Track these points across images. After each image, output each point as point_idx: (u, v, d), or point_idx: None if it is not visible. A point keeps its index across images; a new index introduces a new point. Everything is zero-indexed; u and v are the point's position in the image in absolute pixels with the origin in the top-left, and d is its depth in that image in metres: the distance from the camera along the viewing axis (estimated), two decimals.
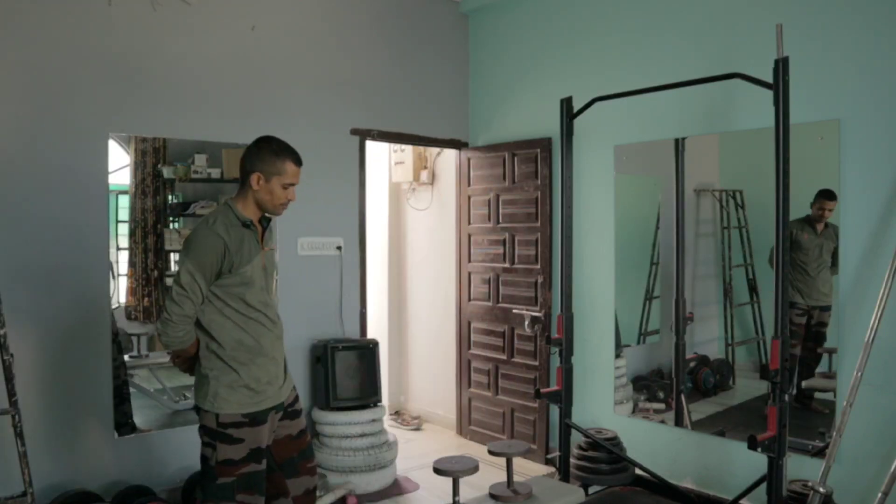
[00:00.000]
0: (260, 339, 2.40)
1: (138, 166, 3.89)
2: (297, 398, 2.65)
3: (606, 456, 3.57)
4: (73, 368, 3.33)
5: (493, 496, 2.89)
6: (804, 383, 3.30)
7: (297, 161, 2.42)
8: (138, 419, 3.78)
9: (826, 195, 3.17)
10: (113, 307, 3.60)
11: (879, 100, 2.96)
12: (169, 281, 4.17)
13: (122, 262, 3.85)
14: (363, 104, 4.37)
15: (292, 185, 2.41)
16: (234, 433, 2.33)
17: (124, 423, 3.60)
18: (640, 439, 3.81)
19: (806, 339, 3.29)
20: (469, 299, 4.85)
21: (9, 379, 2.78)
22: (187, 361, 2.49)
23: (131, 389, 3.85)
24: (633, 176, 4.07)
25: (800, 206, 3.19)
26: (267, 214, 2.50)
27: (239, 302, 2.37)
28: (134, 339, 3.93)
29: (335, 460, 3.82)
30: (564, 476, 3.46)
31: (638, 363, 4.06)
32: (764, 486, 2.72)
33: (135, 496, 3.27)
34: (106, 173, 3.47)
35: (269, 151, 2.37)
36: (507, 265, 4.59)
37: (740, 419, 3.61)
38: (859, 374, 2.83)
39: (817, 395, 3.29)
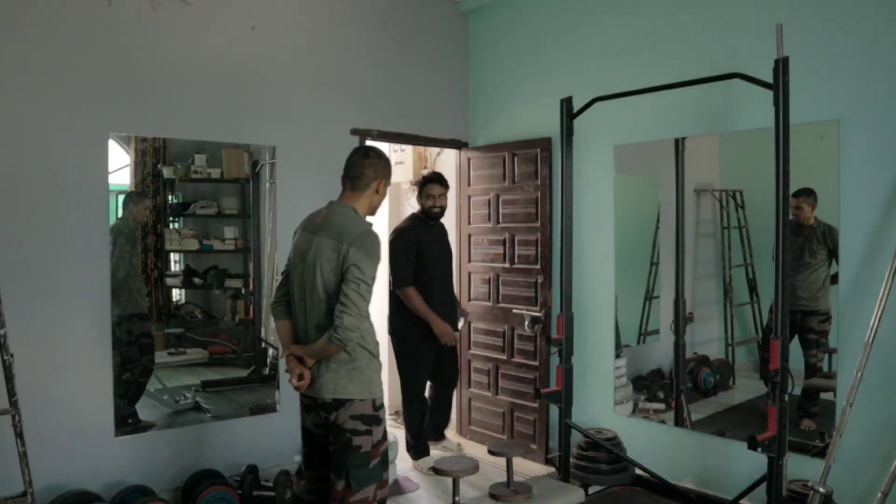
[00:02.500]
0: (374, 332, 2.63)
1: (138, 166, 3.89)
2: None
3: (606, 456, 3.57)
4: (73, 368, 3.33)
5: (493, 496, 2.89)
6: (803, 384, 3.30)
7: None
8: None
9: (797, 192, 3.15)
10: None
11: (879, 100, 2.96)
12: (169, 281, 4.19)
13: None
14: (363, 104, 4.37)
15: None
16: (381, 414, 2.55)
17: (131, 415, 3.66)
18: (640, 439, 3.81)
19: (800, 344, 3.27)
20: (469, 299, 4.85)
21: (9, 379, 2.78)
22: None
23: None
24: (633, 176, 4.07)
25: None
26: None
27: (369, 298, 2.53)
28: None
29: None
30: (564, 476, 3.46)
31: (638, 363, 4.06)
32: (764, 486, 2.72)
33: (135, 496, 3.27)
34: (106, 173, 3.47)
35: (385, 160, 2.68)
36: (507, 265, 4.59)
37: (740, 419, 3.60)
38: (859, 374, 2.83)
39: (819, 395, 3.29)
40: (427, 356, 4.20)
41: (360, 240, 2.46)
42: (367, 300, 2.44)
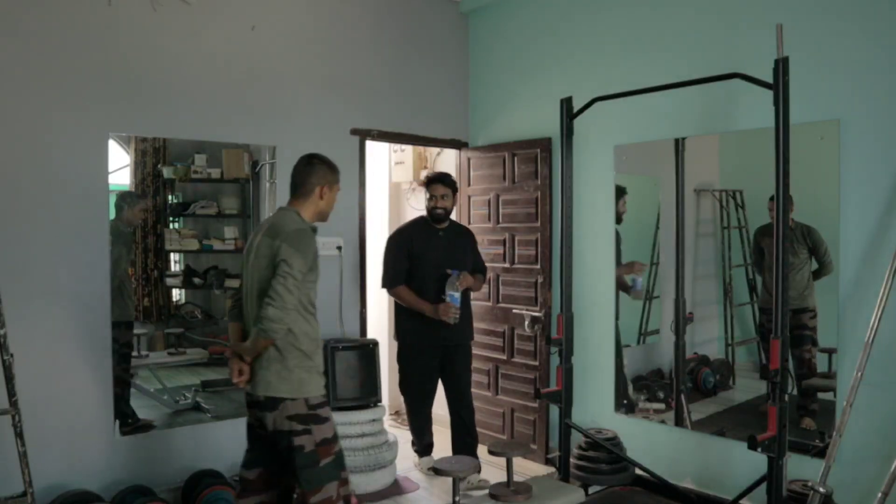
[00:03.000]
0: (317, 332, 2.68)
1: (138, 166, 3.89)
2: None
3: (606, 456, 3.57)
4: (73, 368, 3.33)
5: (493, 496, 2.89)
6: (803, 383, 3.30)
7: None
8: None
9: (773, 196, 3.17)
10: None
11: (879, 100, 2.96)
12: (169, 281, 4.20)
13: None
14: (363, 104, 4.37)
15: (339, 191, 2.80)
16: (321, 413, 2.55)
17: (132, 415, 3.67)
18: (640, 439, 3.81)
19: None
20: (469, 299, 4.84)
21: (9, 379, 2.78)
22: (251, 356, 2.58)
23: (131, 390, 3.86)
24: (633, 176, 4.07)
25: (800, 207, 3.19)
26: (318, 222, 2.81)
27: (307, 297, 2.62)
28: (134, 339, 3.94)
29: None
30: (564, 476, 3.46)
31: (638, 363, 4.06)
32: (764, 486, 2.72)
33: (135, 496, 3.27)
34: (106, 173, 3.47)
35: (328, 165, 2.75)
36: (507, 265, 4.59)
37: (740, 419, 3.60)
38: (859, 374, 2.83)
39: (819, 394, 3.29)
40: (430, 361, 4.03)
41: (292, 236, 2.55)
42: (293, 294, 2.47)
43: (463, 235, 4.20)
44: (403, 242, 4.01)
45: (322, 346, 2.73)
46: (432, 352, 3.99)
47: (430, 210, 4.01)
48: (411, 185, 5.42)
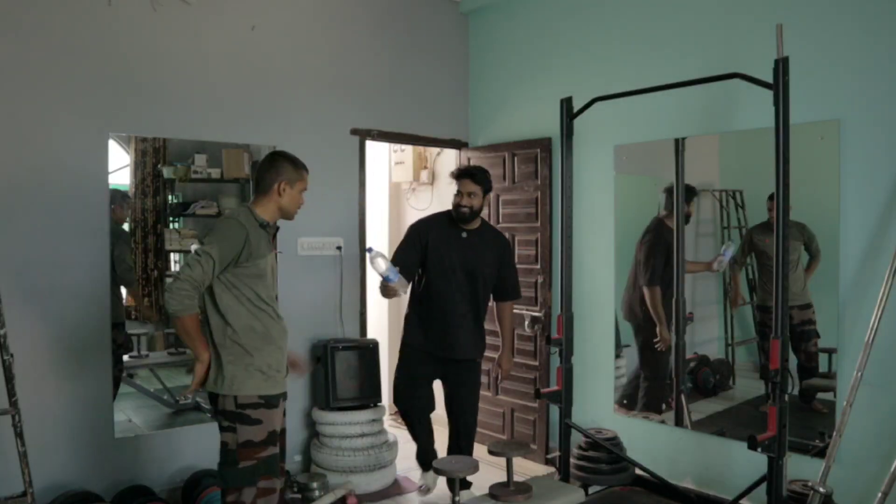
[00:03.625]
0: (269, 328, 2.57)
1: (138, 166, 3.89)
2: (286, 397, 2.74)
3: (606, 456, 3.57)
4: (73, 368, 3.33)
5: (493, 496, 2.89)
6: (804, 382, 3.30)
7: (307, 170, 2.72)
8: (138, 419, 3.79)
9: (771, 195, 3.16)
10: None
11: (879, 100, 2.96)
12: (169, 281, 4.19)
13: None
14: (363, 104, 4.37)
15: (305, 190, 2.71)
16: (251, 414, 2.47)
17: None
18: (640, 439, 3.81)
19: (793, 339, 3.27)
20: None
21: (9, 379, 2.78)
22: (190, 337, 2.54)
23: (131, 389, 3.86)
24: (633, 176, 4.07)
25: (799, 207, 3.19)
26: (282, 219, 2.71)
27: (251, 292, 2.53)
28: (134, 339, 3.93)
29: (335, 460, 3.81)
30: (564, 476, 3.45)
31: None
32: (764, 486, 2.72)
33: (135, 496, 3.27)
34: (106, 173, 3.47)
35: (290, 162, 2.66)
36: None
37: (740, 419, 3.60)
38: (859, 374, 2.83)
39: (819, 395, 3.29)
40: (426, 370, 3.65)
41: (214, 224, 2.60)
42: (194, 268, 2.40)
43: (494, 242, 3.67)
44: (419, 234, 3.60)
45: (281, 343, 2.63)
46: (432, 361, 3.62)
47: (454, 207, 3.55)
48: (411, 185, 5.42)
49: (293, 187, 2.63)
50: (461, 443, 3.67)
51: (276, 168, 2.63)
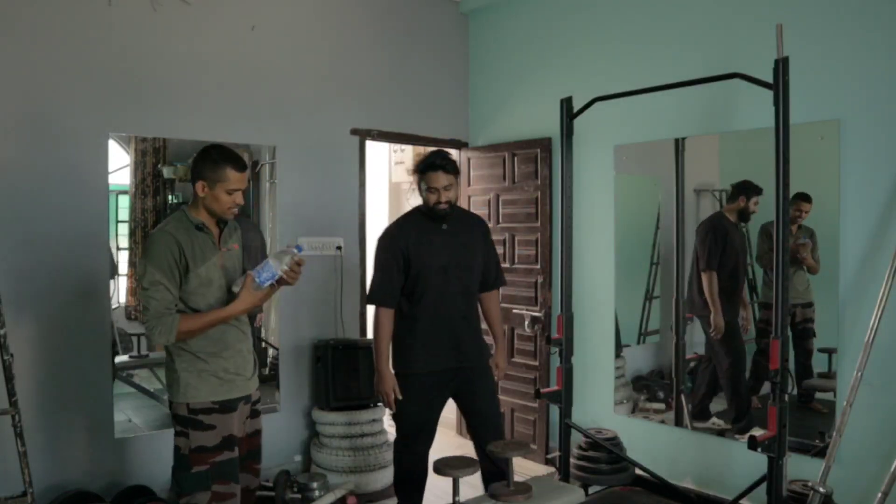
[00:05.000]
0: (224, 334, 2.48)
1: (138, 166, 3.88)
2: (259, 399, 2.69)
3: (606, 456, 3.57)
4: (73, 368, 3.33)
5: (493, 496, 2.89)
6: (804, 382, 3.30)
7: (238, 167, 2.44)
8: (138, 419, 3.79)
9: (803, 198, 3.22)
10: (113, 307, 3.61)
11: (879, 100, 2.96)
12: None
13: (122, 262, 3.85)
14: (363, 104, 4.37)
15: (236, 190, 2.44)
16: (204, 419, 2.41)
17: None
18: (640, 439, 3.81)
19: (794, 337, 3.28)
20: None
21: (9, 379, 2.78)
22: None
23: (131, 389, 3.85)
24: (633, 176, 4.07)
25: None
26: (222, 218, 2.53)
27: (199, 302, 2.43)
28: (134, 339, 3.93)
29: (335, 460, 3.81)
30: (564, 476, 3.45)
31: (638, 363, 4.06)
32: (764, 486, 2.71)
33: (135, 496, 3.27)
34: (106, 173, 3.47)
35: (210, 160, 2.43)
36: (507, 265, 4.59)
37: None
38: (859, 374, 2.83)
39: (818, 395, 3.29)
40: (438, 401, 3.15)
41: (143, 248, 2.49)
42: (150, 304, 2.33)
43: (476, 227, 3.25)
44: (395, 244, 3.07)
45: (241, 346, 2.53)
46: (440, 384, 3.11)
47: (431, 206, 3.06)
48: (411, 185, 5.41)
49: (213, 188, 2.41)
50: (498, 467, 3.04)
51: (196, 166, 2.45)
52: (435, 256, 3.08)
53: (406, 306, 3.09)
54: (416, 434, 3.09)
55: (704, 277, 3.72)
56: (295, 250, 2.47)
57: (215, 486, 2.40)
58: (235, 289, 2.46)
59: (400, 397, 3.02)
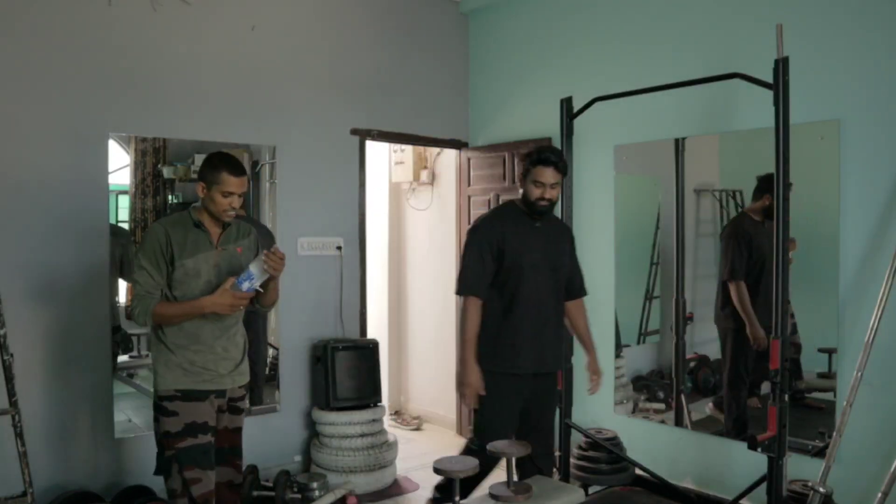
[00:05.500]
0: (199, 329, 2.60)
1: (138, 166, 3.88)
2: (243, 397, 2.80)
3: (606, 456, 3.57)
4: (73, 368, 3.33)
5: (493, 496, 2.89)
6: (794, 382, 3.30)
7: (234, 172, 2.59)
8: (138, 419, 3.79)
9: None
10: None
11: (879, 100, 2.96)
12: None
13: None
14: (363, 104, 4.37)
15: (232, 193, 2.58)
16: (168, 406, 2.58)
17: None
18: (640, 439, 3.81)
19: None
20: None
21: (9, 379, 2.79)
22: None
23: (131, 389, 3.85)
24: (633, 176, 4.07)
25: (800, 206, 3.19)
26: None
27: (184, 292, 2.58)
28: (134, 338, 3.93)
29: (335, 460, 3.81)
30: (564, 476, 3.45)
31: (638, 363, 4.06)
32: (764, 486, 2.72)
33: (135, 496, 3.27)
34: (106, 173, 3.47)
35: (210, 164, 2.61)
36: None
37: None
38: (859, 374, 2.83)
39: (815, 394, 3.29)
40: (517, 400, 2.95)
41: None
42: (135, 287, 2.54)
43: (564, 231, 3.19)
44: (491, 236, 2.92)
45: (213, 343, 2.61)
46: (520, 386, 2.93)
47: (532, 201, 2.90)
48: (411, 185, 5.42)
49: (210, 190, 2.57)
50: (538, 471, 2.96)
51: (200, 169, 2.64)
52: (529, 252, 2.93)
53: (497, 300, 2.94)
54: (495, 435, 2.83)
55: (732, 288, 3.55)
56: (264, 252, 2.58)
57: (186, 471, 2.55)
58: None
59: (483, 393, 2.86)
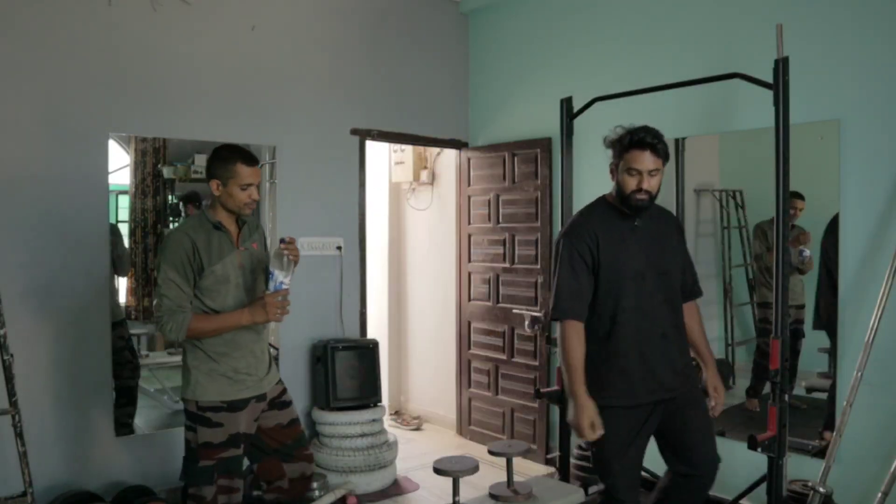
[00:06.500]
0: (236, 334, 2.54)
1: (138, 166, 3.89)
2: (284, 391, 2.76)
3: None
4: (73, 368, 3.33)
5: (493, 496, 2.89)
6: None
7: (248, 162, 2.50)
8: (139, 419, 3.79)
9: (796, 195, 3.14)
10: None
11: (879, 100, 2.96)
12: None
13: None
14: (363, 104, 4.37)
15: (250, 184, 2.50)
16: (212, 417, 2.49)
17: (125, 424, 3.62)
18: None
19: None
20: (469, 299, 4.85)
21: (9, 379, 2.79)
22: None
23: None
24: None
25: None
26: (241, 216, 2.60)
27: (214, 301, 2.51)
28: (134, 338, 3.94)
29: (335, 460, 3.81)
30: (564, 476, 3.45)
31: None
32: (764, 486, 2.72)
33: (135, 496, 3.27)
34: (106, 173, 3.47)
35: (220, 158, 2.50)
36: (507, 265, 4.60)
37: (740, 419, 3.60)
38: (859, 374, 2.83)
39: (815, 394, 3.29)
40: (627, 434, 2.43)
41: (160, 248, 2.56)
42: (162, 302, 2.42)
43: (666, 223, 2.59)
44: (583, 244, 2.44)
45: (253, 347, 2.59)
46: (641, 417, 2.45)
47: (627, 195, 2.40)
48: (411, 185, 5.42)
49: (227, 185, 2.48)
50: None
51: (209, 166, 2.52)
52: (629, 259, 2.44)
53: (597, 319, 2.45)
54: (617, 479, 2.45)
55: None
56: (280, 244, 2.51)
57: (220, 480, 2.49)
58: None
59: (601, 432, 2.37)
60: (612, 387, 2.42)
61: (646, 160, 2.36)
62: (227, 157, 2.49)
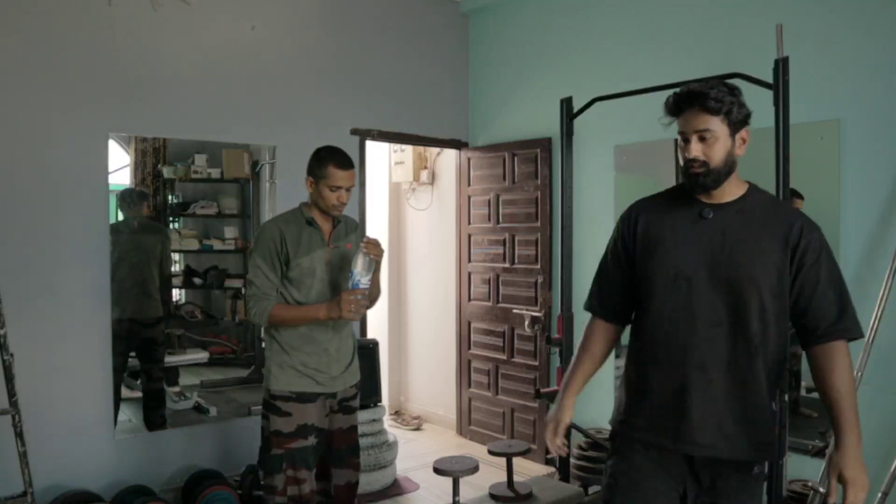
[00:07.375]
0: (313, 330, 2.60)
1: (138, 166, 3.89)
2: (355, 395, 2.82)
3: (607, 456, 3.56)
4: (73, 368, 3.33)
5: (493, 496, 2.89)
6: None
7: (342, 165, 2.58)
8: (138, 419, 3.79)
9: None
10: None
11: (879, 100, 2.97)
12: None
13: None
14: (363, 104, 4.37)
15: (339, 187, 2.58)
16: (282, 406, 2.58)
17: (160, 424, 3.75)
18: None
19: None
20: (469, 299, 4.85)
21: (9, 379, 2.79)
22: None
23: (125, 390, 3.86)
24: (633, 176, 4.07)
25: (799, 206, 3.19)
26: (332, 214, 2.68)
27: (299, 292, 2.59)
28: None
29: None
30: (564, 476, 3.46)
31: None
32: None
33: (135, 496, 3.27)
34: (106, 173, 3.47)
35: (316, 158, 2.61)
36: (507, 265, 4.60)
37: None
38: (859, 374, 2.83)
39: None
40: (654, 483, 1.85)
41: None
42: (250, 287, 2.56)
43: (778, 224, 1.84)
44: (623, 230, 1.96)
45: (328, 346, 2.64)
46: (663, 466, 1.85)
47: (684, 170, 1.89)
48: (411, 185, 5.42)
49: (318, 184, 2.59)
50: None
51: (309, 164, 2.63)
52: (670, 257, 1.83)
53: (635, 328, 1.97)
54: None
55: None
56: (362, 244, 2.56)
57: (287, 470, 2.56)
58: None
59: (560, 444, 2.07)
60: (628, 408, 1.95)
61: (695, 119, 1.84)
62: (323, 157, 2.59)
